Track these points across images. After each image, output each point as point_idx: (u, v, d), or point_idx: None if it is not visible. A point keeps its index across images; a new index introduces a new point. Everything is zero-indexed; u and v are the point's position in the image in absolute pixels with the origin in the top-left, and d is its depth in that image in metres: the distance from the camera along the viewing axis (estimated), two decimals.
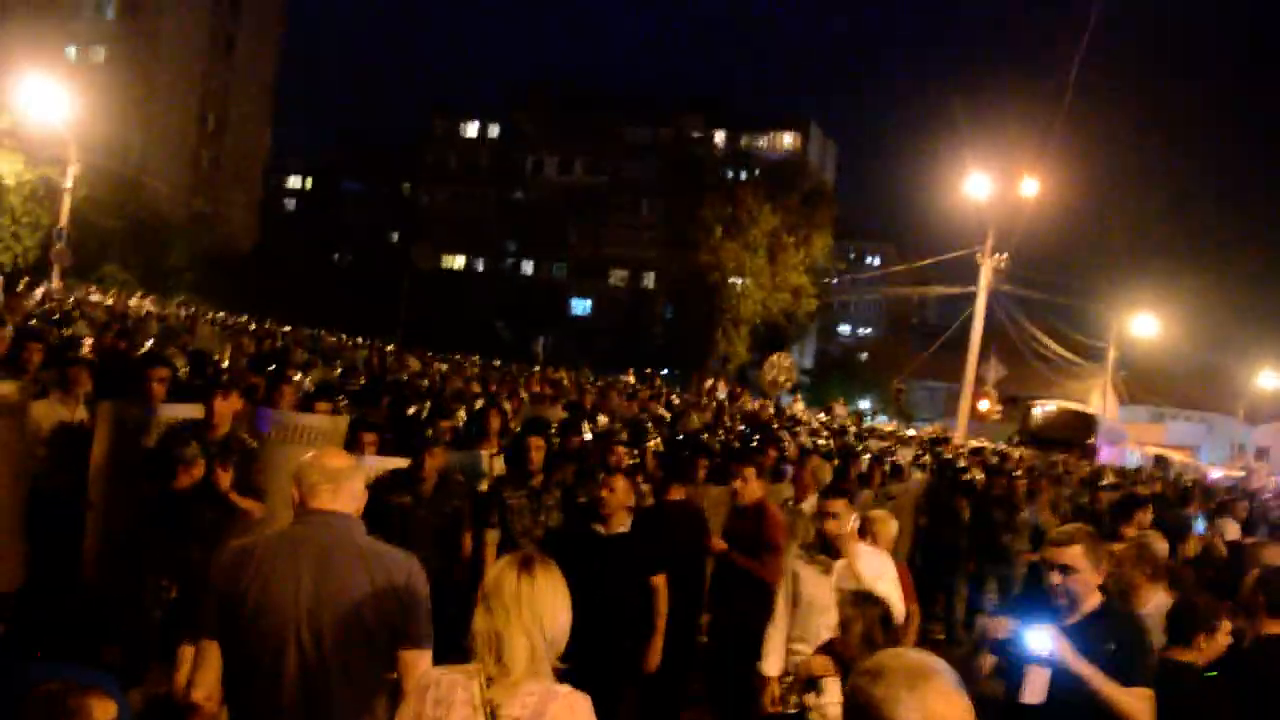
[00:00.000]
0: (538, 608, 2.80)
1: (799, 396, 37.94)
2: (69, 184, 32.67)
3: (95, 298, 27.68)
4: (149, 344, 10.44)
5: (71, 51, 59.19)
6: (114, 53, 60.14)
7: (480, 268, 71.49)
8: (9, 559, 6.15)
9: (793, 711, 4.66)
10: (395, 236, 72.40)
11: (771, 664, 5.56)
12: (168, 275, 48.39)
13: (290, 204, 77.84)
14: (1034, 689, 4.13)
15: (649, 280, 65.72)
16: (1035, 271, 34.64)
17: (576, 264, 69.26)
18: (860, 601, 4.37)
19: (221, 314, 32.16)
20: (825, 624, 5.26)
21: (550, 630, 2.82)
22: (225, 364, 9.22)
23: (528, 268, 71.04)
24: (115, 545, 6.34)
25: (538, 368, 29.24)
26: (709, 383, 38.05)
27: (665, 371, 50.01)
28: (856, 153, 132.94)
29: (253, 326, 27.81)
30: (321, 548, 3.35)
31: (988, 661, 4.46)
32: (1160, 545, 6.26)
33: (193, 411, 6.23)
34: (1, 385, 6.30)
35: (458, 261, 71.99)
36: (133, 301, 29.55)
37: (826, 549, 5.52)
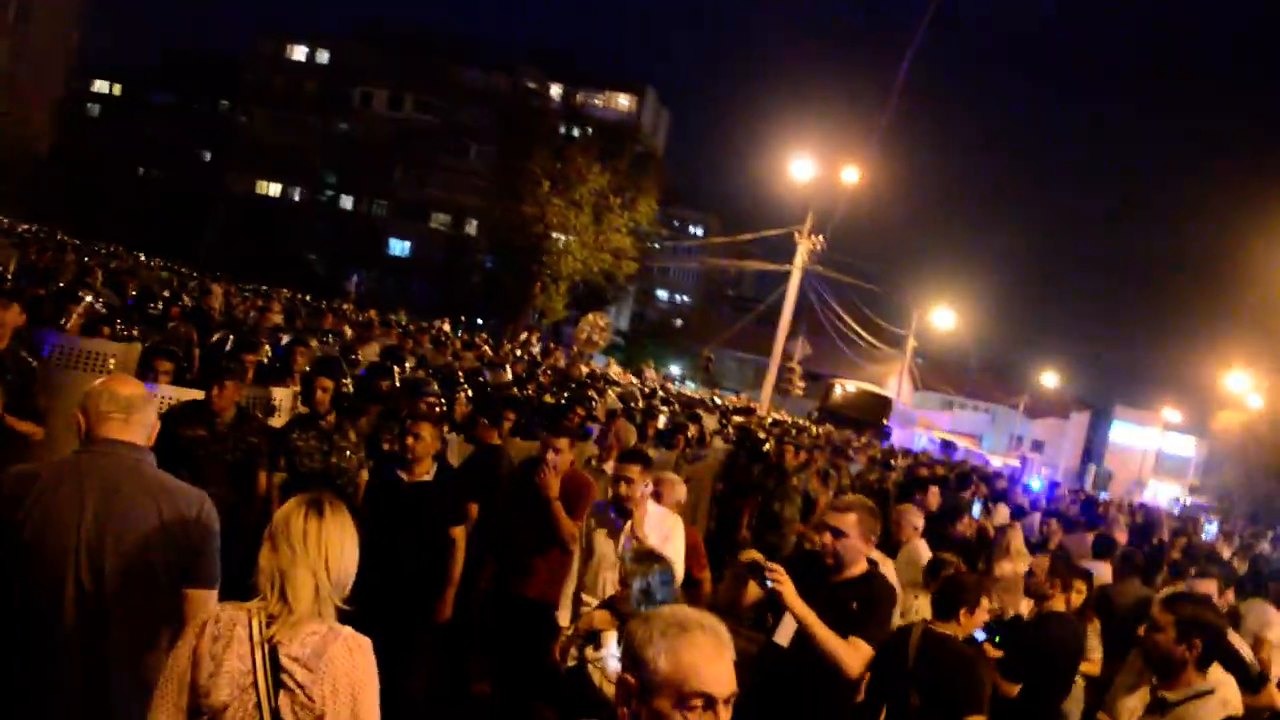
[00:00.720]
0: (325, 548, 2.81)
1: (612, 360, 38.31)
2: None
3: None
4: None
5: None
6: None
7: (296, 197, 68.85)
8: None
9: (572, 664, 4.78)
10: (208, 156, 68.94)
11: (563, 615, 5.72)
12: None
13: (95, 110, 72.97)
14: (784, 631, 4.46)
15: (471, 228, 64.80)
16: (848, 256, 35.85)
17: (398, 203, 67.59)
18: (641, 559, 4.53)
19: (6, 220, 30.11)
20: (612, 580, 5.43)
21: (336, 571, 2.83)
22: (8, 275, 8.65)
23: (347, 202, 68.81)
24: None
25: (349, 305, 28.54)
26: (523, 336, 37.97)
27: (480, 321, 49.70)
28: (689, 124, 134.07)
29: (42, 235, 26.18)
30: (108, 479, 3.25)
31: (748, 590, 4.75)
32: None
33: None
34: None
35: (273, 189, 69.12)
36: None
37: (619, 509, 5.65)
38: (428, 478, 6.34)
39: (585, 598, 5.62)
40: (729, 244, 43.74)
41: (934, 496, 10.85)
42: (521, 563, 6.12)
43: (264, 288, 28.08)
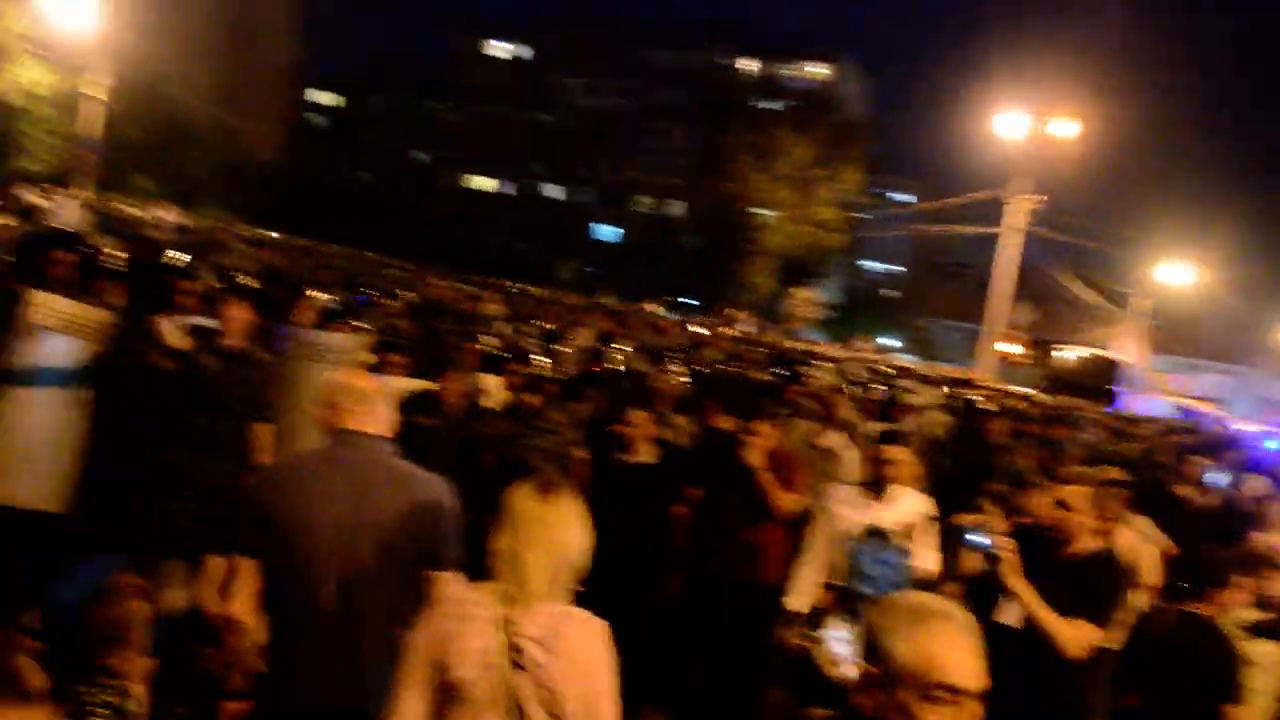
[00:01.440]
0: (557, 530, 2.84)
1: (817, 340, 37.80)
2: (101, 95, 32.58)
3: (126, 208, 27.75)
4: (177, 257, 10.47)
5: None
6: None
7: (506, 190, 71.09)
8: (53, 479, 6.21)
9: (797, 643, 4.71)
10: (422, 156, 72.01)
11: (794, 598, 5.62)
12: (194, 187, 48.40)
13: (317, 119, 77.31)
14: (1011, 611, 4.25)
15: (676, 208, 65.30)
16: (1069, 215, 34.18)
17: (603, 189, 68.74)
18: (874, 538, 4.41)
19: (243, 228, 32.26)
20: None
21: (568, 553, 2.85)
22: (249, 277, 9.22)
23: (553, 191, 70.57)
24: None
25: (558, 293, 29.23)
26: (728, 313, 37.98)
27: (688, 301, 49.95)
28: (889, 87, 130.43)
29: (275, 240, 27.87)
30: (357, 468, 3.40)
31: (969, 559, 4.57)
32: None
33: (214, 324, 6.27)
34: (95, 311, 6.32)
35: (484, 183, 71.62)
36: (159, 212, 29.58)
37: (871, 488, 5.55)
38: (649, 460, 6.41)
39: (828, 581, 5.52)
40: (939, 209, 42.41)
41: (1194, 466, 9.99)
42: (734, 543, 6.03)
43: (480, 278, 29.05)
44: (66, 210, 11.12)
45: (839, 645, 4.87)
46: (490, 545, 2.88)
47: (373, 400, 3.51)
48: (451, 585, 3.32)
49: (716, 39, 65.31)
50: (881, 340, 54.03)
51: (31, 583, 4.49)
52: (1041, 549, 4.29)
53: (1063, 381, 36.19)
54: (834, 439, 7.74)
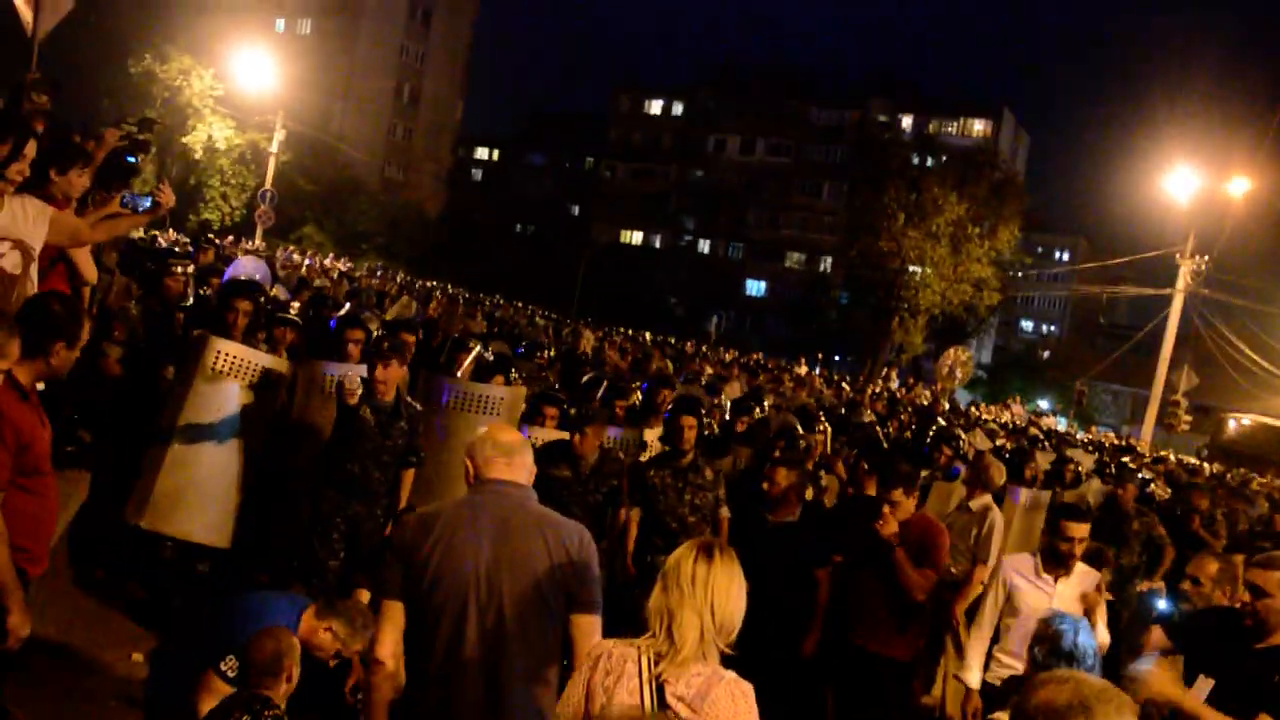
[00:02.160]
0: (712, 591, 2.87)
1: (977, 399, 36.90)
2: (275, 149, 34.40)
3: (295, 257, 29.10)
4: (346, 307, 10.95)
5: (280, 24, 62.27)
6: (319, 26, 63.08)
7: (657, 244, 71.96)
8: (220, 517, 6.58)
9: None
10: (575, 210, 73.55)
11: (974, 675, 5.50)
12: (359, 238, 50.47)
13: (477, 174, 79.86)
14: (1197, 695, 4.02)
15: (825, 265, 64.93)
16: (1238, 276, 32.68)
17: (753, 245, 68.95)
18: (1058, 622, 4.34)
19: (407, 276, 33.41)
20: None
21: (721, 615, 2.88)
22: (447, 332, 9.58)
23: (704, 246, 71.10)
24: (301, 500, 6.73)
25: (705, 347, 29.32)
26: (884, 373, 37.40)
27: (836, 358, 49.43)
28: (1048, 143, 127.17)
29: (435, 288, 28.75)
30: (499, 515, 3.50)
31: (1154, 635, 4.40)
32: None
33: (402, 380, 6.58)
34: (263, 355, 6.72)
35: (635, 237, 72.67)
36: (327, 262, 30.93)
37: (1058, 565, 5.43)
38: (792, 519, 6.40)
39: (1004, 659, 5.38)
40: (1099, 269, 41.02)
41: None
42: (864, 614, 5.99)
43: (629, 331, 29.41)
44: (243, 262, 11.72)
45: None
46: (648, 603, 2.94)
47: (513, 452, 3.64)
48: (595, 628, 3.44)
49: (872, 95, 65.04)
50: (1038, 402, 52.45)
51: (226, 626, 4.74)
52: (1230, 636, 4.07)
53: (1231, 451, 34.42)
54: (985, 502, 7.57)
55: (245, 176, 39.98)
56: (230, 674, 4.36)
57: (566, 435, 6.66)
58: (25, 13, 8.65)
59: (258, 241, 30.79)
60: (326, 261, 31.19)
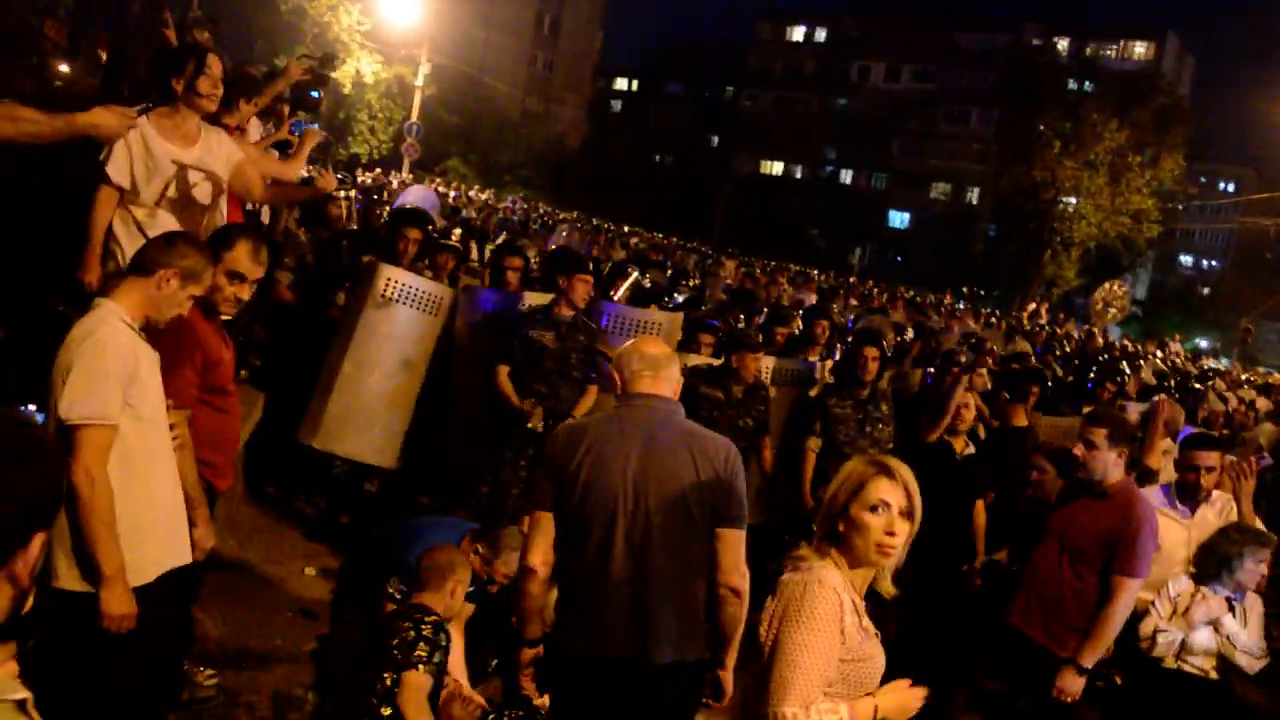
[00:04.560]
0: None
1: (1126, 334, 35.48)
2: (420, 82, 34.83)
3: (441, 189, 29.57)
4: (502, 236, 11.10)
5: None
6: None
7: (798, 174, 70.80)
8: (387, 439, 6.77)
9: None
10: (715, 140, 72.84)
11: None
12: (503, 170, 51.05)
13: (616, 105, 79.70)
14: None
15: (973, 196, 62.97)
16: None
17: (897, 175, 67.21)
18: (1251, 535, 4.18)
19: (551, 208, 33.69)
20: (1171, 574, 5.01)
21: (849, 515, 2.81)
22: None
23: (846, 177, 69.64)
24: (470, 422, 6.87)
25: (853, 279, 28.85)
26: (1031, 307, 36.26)
27: (983, 293, 48.10)
28: (1217, 69, 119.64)
29: (580, 221, 28.93)
30: (646, 428, 3.53)
31: None
32: None
33: (542, 298, 6.63)
34: (429, 283, 6.88)
35: (776, 167, 71.61)
36: (472, 193, 31.33)
37: (1190, 496, 5.21)
38: (966, 450, 6.35)
39: (1144, 595, 5.21)
40: (1268, 201, 38.84)
41: None
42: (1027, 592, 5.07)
43: (771, 263, 29.09)
44: (412, 191, 11.99)
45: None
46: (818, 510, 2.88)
47: (660, 365, 3.65)
48: (738, 541, 3.47)
49: (1027, 17, 62.37)
50: (1197, 341, 50.18)
51: (391, 550, 4.89)
52: None
53: None
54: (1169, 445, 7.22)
55: (392, 110, 40.63)
56: (396, 595, 4.50)
57: (714, 361, 6.72)
58: None
59: (405, 174, 31.32)
60: (472, 193, 31.59)
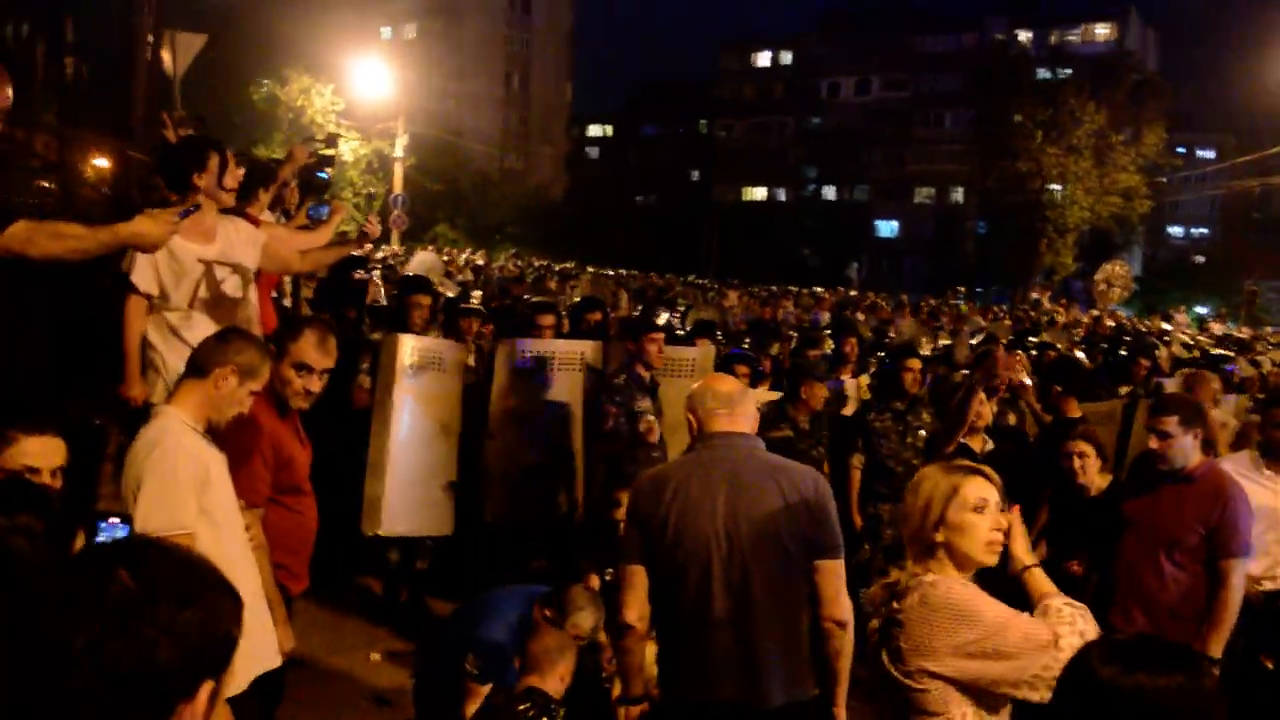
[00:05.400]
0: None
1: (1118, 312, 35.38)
2: (400, 154, 35.00)
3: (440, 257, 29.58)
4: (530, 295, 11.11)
5: (386, 31, 63.40)
6: (424, 28, 64.18)
7: (782, 197, 71.19)
8: (442, 506, 6.68)
9: None
10: (695, 174, 73.23)
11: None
12: (491, 230, 51.23)
13: (594, 152, 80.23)
14: None
15: (957, 195, 63.27)
16: None
17: (879, 185, 67.63)
18: None
19: (540, 261, 33.72)
20: (1276, 539, 4.89)
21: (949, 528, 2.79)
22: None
23: (830, 193, 69.99)
24: (515, 475, 6.80)
25: (853, 292, 28.85)
26: (1033, 296, 36.29)
27: (979, 290, 48.10)
28: (1179, 38, 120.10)
29: (572, 269, 28.97)
30: (730, 467, 3.46)
31: None
32: None
33: (586, 349, 6.58)
34: (446, 344, 6.85)
35: (758, 193, 72.06)
36: (463, 256, 31.38)
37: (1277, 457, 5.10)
38: (985, 448, 6.25)
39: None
40: (1252, 163, 38.92)
41: None
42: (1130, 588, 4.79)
43: (773, 287, 29.07)
44: (415, 259, 12.04)
45: None
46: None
47: (734, 402, 3.58)
48: (837, 571, 3.40)
49: (985, 14, 62.90)
50: (1201, 310, 50.06)
51: (462, 626, 4.77)
52: None
53: None
54: (1220, 414, 7.13)
55: (374, 185, 40.86)
56: (474, 671, 4.39)
57: (773, 395, 6.63)
58: (166, 59, 9.02)
59: (395, 246, 31.37)
60: (464, 256, 31.62)
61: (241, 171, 4.77)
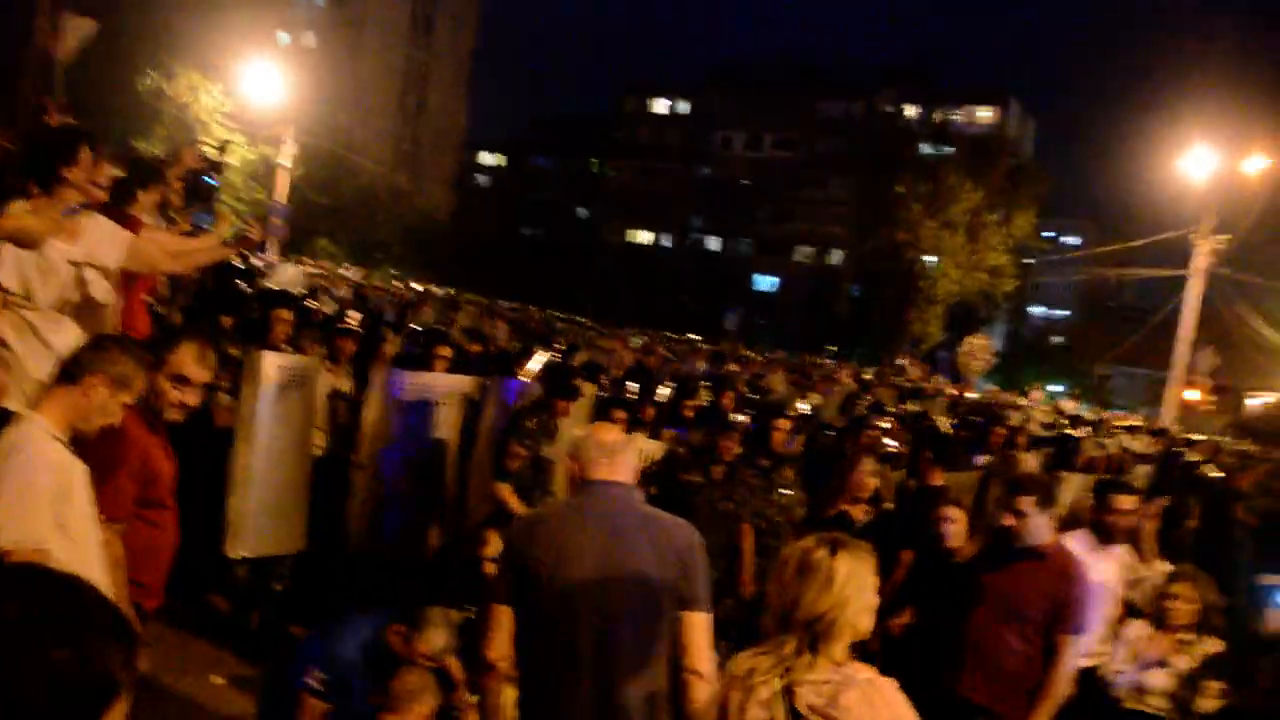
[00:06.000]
0: (841, 589, 2.72)
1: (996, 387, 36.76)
2: (288, 163, 34.25)
3: (310, 269, 28.97)
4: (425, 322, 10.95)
5: (285, 38, 62.16)
6: (324, 38, 63.14)
7: (666, 243, 71.99)
8: (294, 524, 6.53)
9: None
10: (583, 212, 73.51)
11: None
12: (373, 249, 50.44)
13: (483, 180, 79.90)
14: None
15: (836, 258, 64.92)
16: (1256, 254, 32.54)
17: (762, 241, 68.96)
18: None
19: (427, 286, 33.33)
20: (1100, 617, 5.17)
21: (852, 612, 2.73)
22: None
23: (714, 244, 71.08)
24: (381, 505, 6.70)
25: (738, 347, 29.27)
26: (899, 362, 37.30)
27: (847, 352, 49.34)
28: (1056, 127, 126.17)
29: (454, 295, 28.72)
30: (606, 516, 3.48)
31: (1274, 617, 4.45)
32: None
33: (466, 385, 6.52)
34: (299, 358, 6.69)
35: (644, 237, 72.70)
36: (343, 273, 30.81)
37: (1110, 539, 5.42)
38: (866, 518, 6.34)
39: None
40: (1112, 252, 40.91)
41: None
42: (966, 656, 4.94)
43: (650, 332, 29.24)
44: (279, 272, 11.72)
45: None
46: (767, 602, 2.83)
47: (615, 451, 3.60)
48: (704, 626, 3.42)
49: (877, 85, 64.97)
50: (1051, 388, 52.13)
51: (309, 643, 4.67)
52: None
53: (1253, 430, 34.20)
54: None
55: (259, 192, 39.86)
56: (314, 685, 4.31)
57: (653, 444, 6.70)
58: (52, 40, 8.67)
59: (271, 255, 30.62)
60: (343, 271, 31.06)
61: (114, 170, 4.55)
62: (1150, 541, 5.90)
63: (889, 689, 2.67)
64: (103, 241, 4.54)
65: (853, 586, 2.73)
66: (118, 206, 4.94)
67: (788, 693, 2.67)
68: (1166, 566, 6.05)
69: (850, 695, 2.62)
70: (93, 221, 4.56)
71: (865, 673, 2.70)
